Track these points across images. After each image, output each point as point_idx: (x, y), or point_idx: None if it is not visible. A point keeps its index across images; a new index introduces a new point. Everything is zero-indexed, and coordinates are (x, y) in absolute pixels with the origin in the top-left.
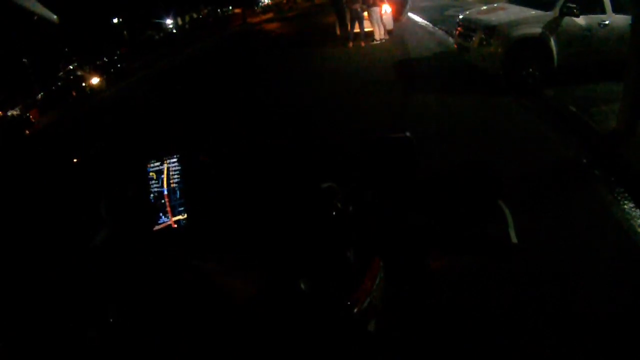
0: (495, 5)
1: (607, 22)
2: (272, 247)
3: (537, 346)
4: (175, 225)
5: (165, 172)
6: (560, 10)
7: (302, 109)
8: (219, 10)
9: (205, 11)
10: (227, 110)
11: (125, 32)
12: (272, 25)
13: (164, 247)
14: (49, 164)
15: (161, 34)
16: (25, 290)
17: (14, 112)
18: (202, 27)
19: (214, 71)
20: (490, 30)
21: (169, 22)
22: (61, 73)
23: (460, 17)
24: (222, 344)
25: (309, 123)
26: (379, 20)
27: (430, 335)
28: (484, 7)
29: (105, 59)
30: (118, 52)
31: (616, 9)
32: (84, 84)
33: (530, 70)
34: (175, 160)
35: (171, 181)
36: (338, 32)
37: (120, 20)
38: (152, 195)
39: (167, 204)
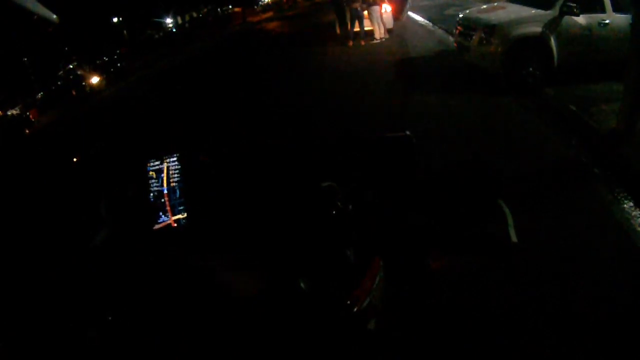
0: (495, 4)
1: (607, 22)
2: (272, 247)
3: (537, 346)
4: (175, 225)
5: (165, 171)
6: (560, 9)
7: (302, 109)
8: (218, 9)
9: (205, 10)
10: (227, 110)
11: (125, 32)
12: (272, 24)
13: (164, 247)
14: (48, 163)
15: (161, 34)
16: (25, 290)
17: (14, 112)
18: (202, 26)
19: (214, 71)
20: (490, 29)
21: (168, 21)
22: (61, 72)
23: (460, 16)
24: (222, 343)
25: (309, 123)
26: (379, 19)
27: (430, 335)
28: (484, 6)
29: (105, 58)
30: (118, 51)
31: (616, 8)
32: (83, 84)
33: (530, 69)
34: (174, 159)
35: (171, 180)
36: (338, 31)
37: (120, 19)
38: (152, 194)
39: (167, 203)
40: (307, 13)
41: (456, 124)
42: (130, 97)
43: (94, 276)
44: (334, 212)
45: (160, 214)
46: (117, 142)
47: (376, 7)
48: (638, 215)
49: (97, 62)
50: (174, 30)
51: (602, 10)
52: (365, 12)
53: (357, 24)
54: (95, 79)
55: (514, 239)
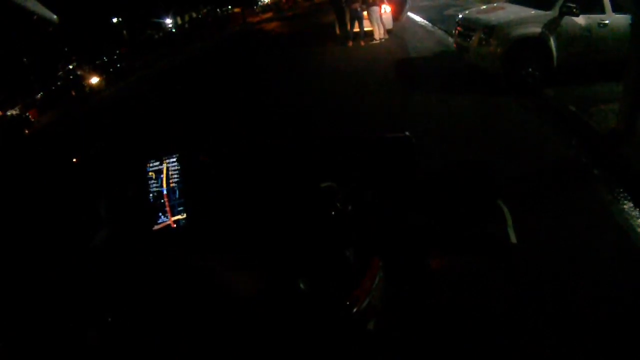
0: (494, 4)
1: (606, 22)
2: (272, 247)
3: (537, 346)
4: (175, 225)
5: (164, 171)
6: (560, 9)
7: (302, 109)
8: (218, 9)
9: (205, 11)
10: (227, 110)
11: (124, 32)
12: (272, 25)
13: (164, 247)
14: (48, 163)
15: (160, 34)
16: (25, 290)
17: (14, 112)
18: (202, 27)
19: (214, 71)
20: (490, 29)
21: (168, 21)
22: (60, 73)
23: (460, 16)
24: (222, 343)
25: (309, 123)
26: (379, 19)
27: (430, 335)
28: (484, 7)
29: (104, 58)
30: (117, 51)
31: (616, 9)
32: (83, 84)
33: (530, 70)
34: (174, 160)
35: (170, 181)
36: (338, 31)
37: (120, 19)
38: (151, 195)
39: (167, 203)
40: (306, 13)
41: (456, 124)
42: (130, 97)
43: (93, 276)
44: (333, 212)
45: (160, 214)
46: (117, 142)
47: (376, 8)
48: (638, 216)
49: (97, 62)
50: (174, 30)
51: (602, 10)
52: (365, 13)
53: (356, 24)
54: (94, 79)
55: (513, 239)
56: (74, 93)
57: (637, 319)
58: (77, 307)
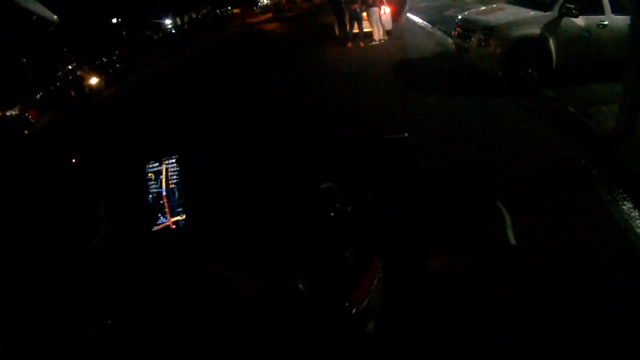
0: (494, 5)
1: (606, 23)
2: (272, 248)
3: (537, 346)
4: (174, 226)
5: (163, 173)
6: (559, 10)
7: (301, 109)
8: (217, 10)
9: (204, 11)
10: (227, 110)
11: (124, 32)
12: (271, 26)
13: (164, 248)
14: (48, 164)
15: (160, 34)
16: (25, 290)
17: (13, 112)
18: (201, 27)
19: (214, 71)
20: (489, 30)
21: (168, 22)
22: (60, 73)
23: (459, 17)
24: (222, 343)
25: (308, 123)
26: (378, 20)
27: (430, 335)
28: (483, 8)
29: (104, 59)
30: (117, 52)
31: (615, 10)
32: (82, 84)
33: (529, 70)
34: (173, 161)
35: (170, 182)
36: (337, 32)
37: (119, 20)
38: (150, 196)
39: (166, 204)
40: (306, 14)
41: (455, 124)
42: (129, 97)
43: (93, 276)
44: (332, 213)
45: (159, 215)
46: (117, 143)
47: (375, 9)
48: (637, 216)
49: (97, 62)
50: (173, 31)
51: (601, 11)
52: (364, 14)
53: (356, 25)
54: (94, 80)
55: (513, 240)
56: (73, 93)
57: (637, 319)
58: (77, 307)
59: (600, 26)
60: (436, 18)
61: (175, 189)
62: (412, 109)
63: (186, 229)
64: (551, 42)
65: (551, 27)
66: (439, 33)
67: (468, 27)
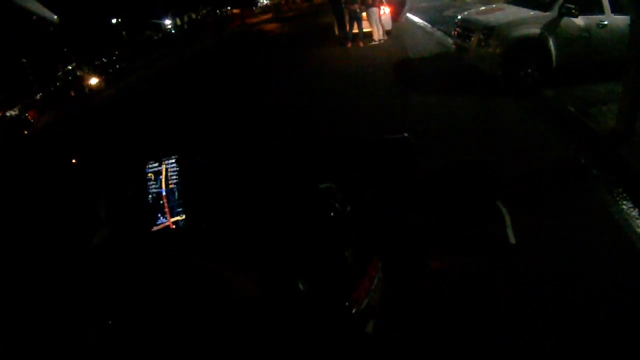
0: (493, 5)
1: (605, 23)
2: (272, 248)
3: (537, 346)
4: (174, 226)
5: (163, 173)
6: (559, 10)
7: (301, 109)
8: (217, 10)
9: (204, 11)
10: (227, 110)
11: (124, 33)
12: (271, 26)
13: (164, 248)
14: (48, 164)
15: (160, 35)
16: (25, 290)
17: (13, 112)
18: (201, 28)
19: (214, 71)
20: (489, 30)
21: (167, 22)
22: (60, 73)
23: (459, 17)
24: (221, 343)
25: (308, 123)
26: (378, 20)
27: (430, 335)
28: (483, 8)
29: (104, 59)
30: (117, 52)
31: (615, 10)
32: (82, 84)
33: (529, 70)
34: (173, 161)
35: (169, 182)
36: (337, 32)
37: (119, 20)
38: (150, 196)
39: (166, 204)
40: (305, 14)
41: (455, 124)
42: (129, 97)
43: (93, 276)
44: (332, 213)
45: (159, 215)
46: (117, 143)
47: (375, 9)
48: (637, 216)
49: (96, 62)
50: (173, 31)
51: (601, 11)
52: (364, 14)
53: (355, 25)
54: (94, 80)
55: (512, 240)
56: (73, 93)
57: (637, 319)
58: (77, 307)
59: (600, 26)
60: (436, 18)
61: (175, 189)
62: (411, 109)
63: (186, 229)
64: (551, 42)
65: (551, 27)
66: (438, 33)
67: (468, 27)
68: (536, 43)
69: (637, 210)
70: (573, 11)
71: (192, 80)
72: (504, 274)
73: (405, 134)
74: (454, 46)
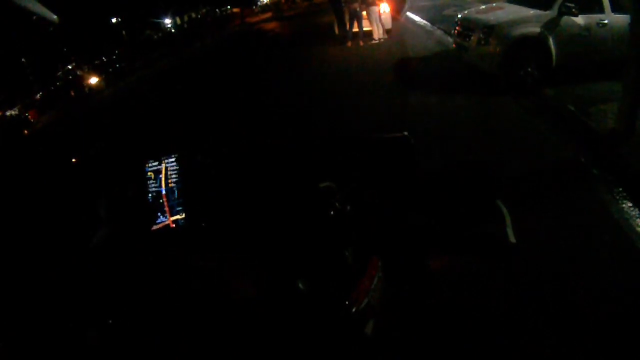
0: (493, 4)
1: (605, 22)
2: (271, 248)
3: (537, 346)
4: (174, 225)
5: (163, 172)
6: (559, 9)
7: (301, 109)
8: (217, 10)
9: (204, 11)
10: (227, 110)
11: (123, 32)
12: (271, 25)
13: (163, 247)
14: (48, 164)
15: (160, 34)
16: (25, 290)
17: (13, 112)
18: (201, 27)
19: (214, 71)
20: (489, 29)
21: (167, 21)
22: (60, 73)
23: (459, 16)
24: (221, 343)
25: (308, 123)
26: (378, 19)
27: (430, 335)
28: (483, 7)
29: (103, 58)
30: (117, 51)
31: (615, 9)
32: (82, 84)
33: (529, 69)
34: (173, 160)
35: (169, 181)
36: (337, 31)
37: (119, 20)
38: (150, 195)
39: (165, 203)
40: (305, 13)
41: (455, 124)
42: (129, 97)
43: (93, 276)
44: (332, 212)
45: (159, 214)
46: (117, 142)
47: (375, 8)
48: (637, 215)
49: (96, 62)
50: (173, 30)
51: (601, 10)
52: (364, 13)
53: (355, 24)
54: (94, 79)
55: (512, 239)
56: (73, 93)
57: (637, 319)
58: (77, 307)
59: (600, 25)
60: (436, 17)
61: (174, 188)
62: (411, 108)
63: (185, 228)
64: (551, 41)
65: (551, 25)
66: (438, 32)
67: (468, 26)
68: (536, 42)
69: (637, 210)
70: (573, 10)
71: (192, 80)
72: (504, 274)
73: (405, 133)
74: (453, 45)
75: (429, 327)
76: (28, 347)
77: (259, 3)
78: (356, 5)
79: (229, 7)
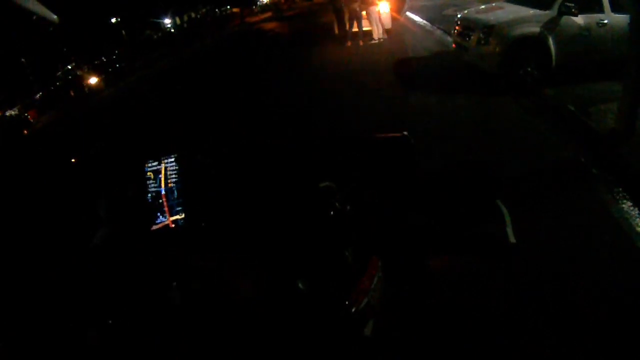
0: (493, 4)
1: (605, 22)
2: (271, 247)
3: (537, 346)
4: (173, 225)
5: (162, 172)
6: (559, 9)
7: (301, 109)
8: (217, 9)
9: (204, 11)
10: (227, 110)
11: (123, 32)
12: (271, 25)
13: (163, 247)
14: (47, 164)
15: (159, 34)
16: (25, 290)
17: (12, 112)
18: (201, 27)
19: (214, 71)
20: (489, 29)
21: (167, 21)
22: (59, 73)
23: (459, 16)
24: (221, 343)
25: (308, 123)
26: (377, 19)
27: (430, 335)
28: (482, 6)
29: (103, 58)
30: (116, 51)
31: (615, 9)
32: (82, 84)
33: (529, 69)
34: (172, 160)
35: (169, 181)
36: (336, 31)
37: (119, 20)
38: (149, 195)
39: (165, 203)
40: (305, 13)
41: (455, 124)
42: (129, 97)
43: (93, 276)
44: (331, 212)
45: (158, 214)
46: (117, 142)
47: (375, 8)
48: (637, 215)
49: (96, 62)
50: (173, 30)
51: (601, 10)
52: (364, 13)
53: (355, 24)
54: (94, 79)
55: (512, 239)
56: (73, 93)
57: (637, 319)
58: (77, 307)
59: (600, 25)
60: (435, 17)
61: (174, 188)
62: (411, 108)
63: (185, 228)
64: (551, 40)
65: (551, 25)
66: (438, 32)
67: (467, 26)
68: (536, 42)
69: (637, 210)
70: (573, 10)
71: (192, 80)
72: (504, 274)
73: (405, 133)
74: (453, 45)
75: (429, 327)
76: (28, 347)
77: (258, 3)
78: (356, 5)
79: (228, 7)
